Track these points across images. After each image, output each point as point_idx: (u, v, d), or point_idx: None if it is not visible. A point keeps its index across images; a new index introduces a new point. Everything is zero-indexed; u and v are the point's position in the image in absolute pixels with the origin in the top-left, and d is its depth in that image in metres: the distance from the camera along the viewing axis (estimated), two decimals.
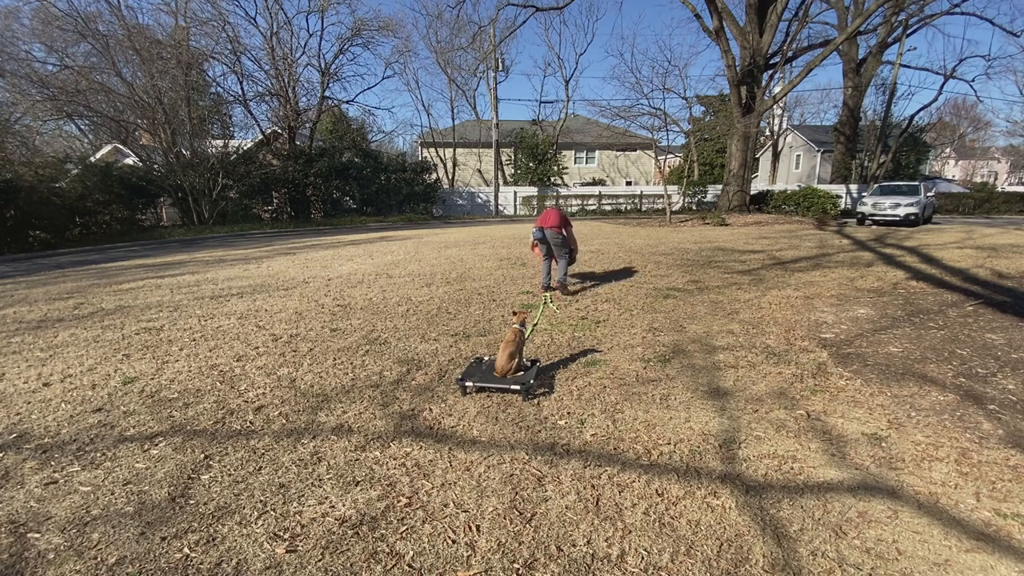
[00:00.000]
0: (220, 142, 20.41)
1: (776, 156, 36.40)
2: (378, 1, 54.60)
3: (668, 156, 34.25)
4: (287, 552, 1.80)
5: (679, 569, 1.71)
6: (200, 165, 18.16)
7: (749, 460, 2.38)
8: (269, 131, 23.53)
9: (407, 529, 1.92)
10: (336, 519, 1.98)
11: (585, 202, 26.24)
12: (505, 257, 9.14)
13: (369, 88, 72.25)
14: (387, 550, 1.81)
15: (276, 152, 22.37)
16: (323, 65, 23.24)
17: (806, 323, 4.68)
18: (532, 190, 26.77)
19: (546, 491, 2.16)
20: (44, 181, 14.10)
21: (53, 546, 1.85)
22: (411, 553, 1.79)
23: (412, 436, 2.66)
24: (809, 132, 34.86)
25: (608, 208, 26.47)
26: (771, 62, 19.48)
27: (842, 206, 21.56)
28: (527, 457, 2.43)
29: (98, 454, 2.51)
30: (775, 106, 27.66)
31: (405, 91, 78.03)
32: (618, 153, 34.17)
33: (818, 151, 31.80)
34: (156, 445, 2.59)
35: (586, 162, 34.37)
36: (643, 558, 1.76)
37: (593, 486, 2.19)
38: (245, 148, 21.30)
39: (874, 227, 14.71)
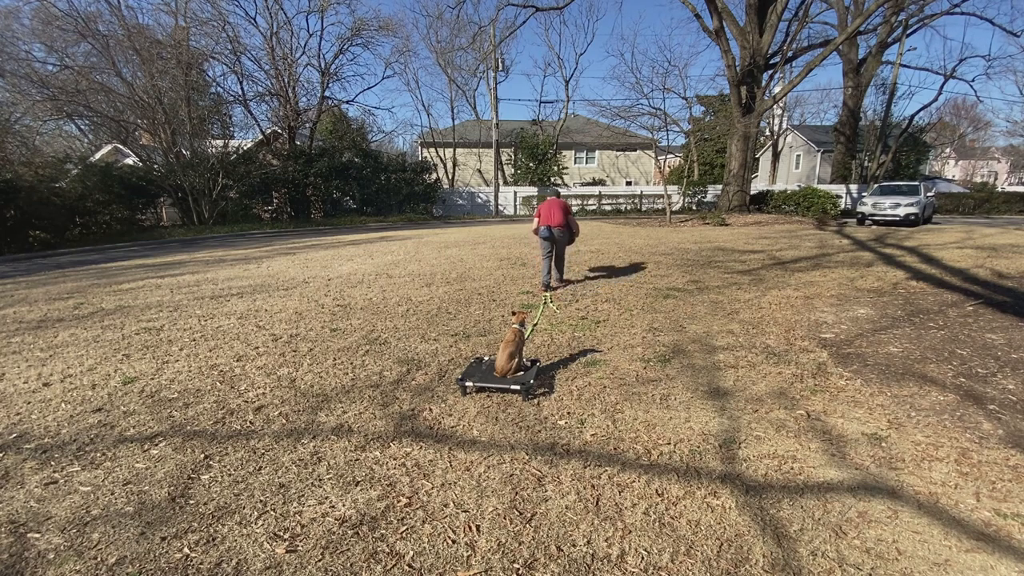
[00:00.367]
0: (220, 142, 20.41)
1: (776, 156, 36.40)
2: (378, 1, 54.60)
3: (668, 156, 34.25)
4: (287, 552, 1.80)
5: (679, 569, 1.71)
6: (200, 165, 18.16)
7: (749, 460, 2.38)
8: (269, 131, 23.53)
9: (407, 529, 1.92)
10: (336, 519, 1.98)
11: (585, 202, 26.23)
12: (505, 257, 9.14)
13: (369, 88, 72.24)
14: (387, 550, 1.81)
15: (276, 152, 22.37)
16: (323, 65, 23.25)
17: (806, 323, 4.68)
18: (532, 190, 26.76)
19: (546, 491, 2.16)
20: (44, 181, 14.10)
21: (53, 546, 1.85)
22: (411, 553, 1.79)
23: (412, 436, 2.66)
24: (809, 132, 34.85)
25: (608, 208, 26.47)
26: (771, 62, 19.48)
27: (842, 206, 21.55)
28: (527, 457, 2.43)
29: (98, 454, 2.51)
30: (775, 106, 27.66)
31: (405, 91, 78.07)
32: (618, 153, 34.17)
33: (818, 151, 31.80)
34: (156, 445, 2.59)
35: (586, 162, 34.37)
36: (643, 558, 1.76)
37: (593, 486, 2.19)
38: (245, 148, 21.29)
39: (874, 227, 14.71)
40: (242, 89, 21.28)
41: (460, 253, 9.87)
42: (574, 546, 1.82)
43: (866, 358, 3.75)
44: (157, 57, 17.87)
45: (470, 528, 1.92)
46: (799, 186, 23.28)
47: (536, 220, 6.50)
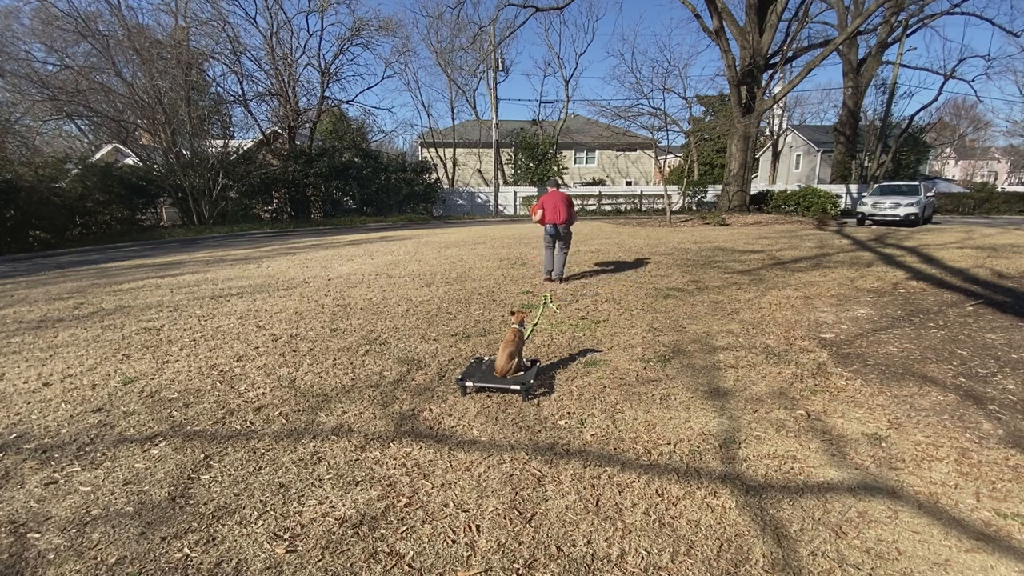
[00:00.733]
0: (220, 142, 20.40)
1: (776, 156, 36.40)
2: (378, 1, 54.61)
3: (668, 156, 34.26)
4: (287, 552, 1.80)
5: (679, 569, 1.71)
6: (200, 165, 18.15)
7: (749, 460, 2.38)
8: (269, 131, 23.53)
9: (407, 529, 1.92)
10: (336, 519, 1.98)
11: (585, 202, 26.24)
12: (505, 257, 9.14)
13: (369, 88, 72.27)
14: (387, 550, 1.81)
15: (276, 152, 22.37)
16: (323, 65, 23.25)
17: (806, 323, 4.68)
18: (532, 190, 26.76)
19: (546, 491, 2.16)
20: (44, 181, 14.09)
21: (53, 546, 1.85)
22: (411, 553, 1.79)
23: (412, 436, 2.66)
24: (809, 132, 34.86)
25: (608, 208, 26.47)
26: (771, 62, 19.48)
27: (842, 206, 21.56)
28: (527, 457, 2.43)
29: (98, 454, 2.51)
30: (775, 106, 27.66)
31: (405, 91, 78.11)
32: (618, 153, 34.18)
33: (818, 151, 31.80)
34: (156, 445, 2.59)
35: (586, 162, 34.38)
36: (643, 558, 1.76)
37: (593, 486, 2.19)
38: (245, 148, 21.29)
39: (874, 227, 14.71)
40: (242, 89, 21.30)
41: (460, 253, 9.87)
42: (574, 546, 1.82)
43: (866, 358, 3.75)
44: (157, 57, 17.87)
45: (470, 528, 1.92)
46: (799, 186, 23.28)
47: (540, 212, 6.70)
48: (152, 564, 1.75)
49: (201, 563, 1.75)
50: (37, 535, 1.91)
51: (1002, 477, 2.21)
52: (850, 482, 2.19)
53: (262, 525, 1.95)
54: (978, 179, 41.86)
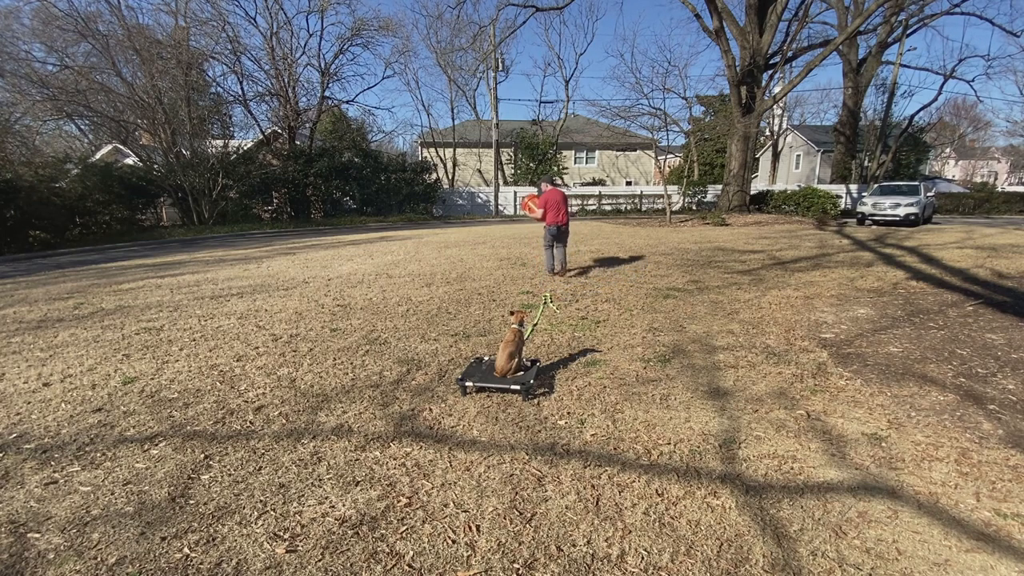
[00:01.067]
0: (220, 142, 20.40)
1: (776, 156, 36.40)
2: (378, 1, 54.62)
3: (668, 156, 34.25)
4: (287, 552, 1.80)
5: (679, 569, 1.71)
6: (200, 165, 18.15)
7: (749, 460, 2.38)
8: (269, 131, 23.52)
9: (407, 529, 1.92)
10: (336, 519, 1.98)
11: (585, 202, 26.24)
12: (505, 257, 9.14)
13: (369, 88, 72.30)
14: (387, 550, 1.81)
15: (276, 152, 22.36)
16: (323, 65, 23.24)
17: (806, 323, 4.68)
18: (532, 190, 26.72)
19: (546, 491, 2.16)
20: (44, 181, 14.08)
21: (53, 546, 1.85)
22: (411, 553, 1.79)
23: (412, 436, 2.66)
24: (809, 132, 34.86)
25: (608, 208, 26.46)
26: (771, 62, 19.48)
27: (842, 206, 21.56)
28: (527, 457, 2.43)
29: (98, 454, 2.51)
30: (775, 106, 27.66)
31: (405, 91, 78.15)
32: (618, 153, 34.18)
33: (818, 151, 31.80)
34: (156, 445, 2.59)
35: (586, 162, 34.38)
36: (643, 558, 1.76)
37: (593, 486, 2.19)
38: (245, 148, 21.28)
39: (874, 227, 14.71)
40: (242, 89, 21.29)
41: (460, 253, 9.87)
42: (574, 546, 1.82)
43: (866, 358, 3.75)
44: (157, 57, 17.86)
45: (470, 528, 1.92)
46: (799, 186, 23.28)
47: (543, 211, 7.04)
48: (152, 564, 1.75)
49: (201, 563, 1.75)
50: (37, 535, 1.91)
51: (1002, 477, 2.21)
52: (850, 482, 2.19)
53: (262, 525, 1.95)
54: (978, 179, 41.87)
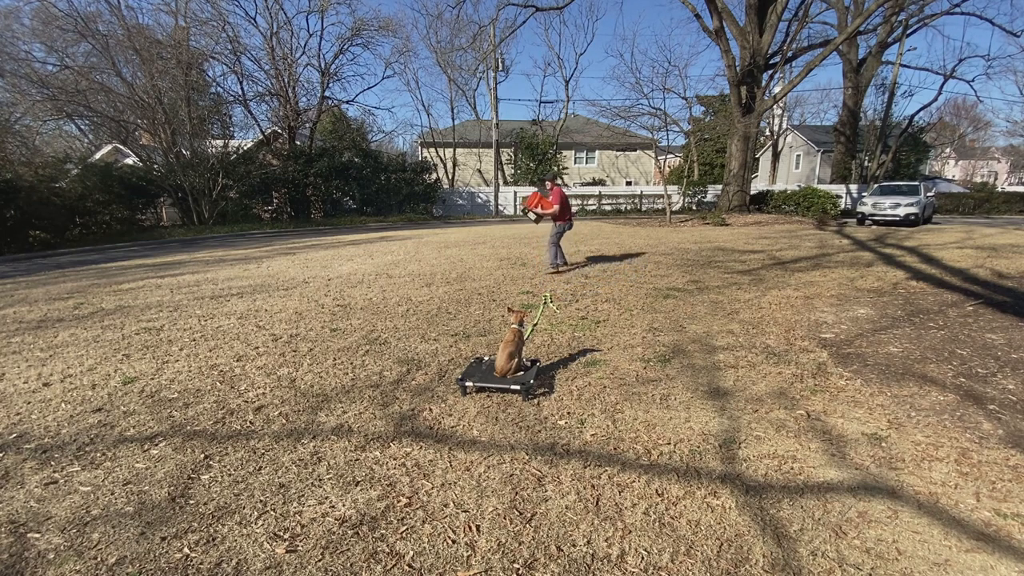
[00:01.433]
0: (220, 142, 20.41)
1: (776, 156, 36.40)
2: (378, 1, 54.65)
3: (668, 156, 34.26)
4: (287, 552, 1.80)
5: (679, 569, 1.71)
6: (200, 165, 18.15)
7: (749, 460, 2.38)
8: (269, 131, 23.53)
9: (407, 529, 1.92)
10: (336, 519, 1.98)
11: (585, 202, 26.24)
12: (505, 257, 9.15)
13: (369, 88, 72.34)
14: (387, 550, 1.81)
15: (276, 152, 22.37)
16: (323, 65, 23.25)
17: (806, 323, 4.68)
18: (532, 190, 26.74)
19: (546, 491, 2.16)
20: (44, 181, 14.09)
21: (53, 546, 1.85)
22: (411, 553, 1.79)
23: (412, 436, 2.66)
24: (809, 132, 34.86)
25: (608, 208, 26.47)
26: (771, 62, 19.48)
27: (842, 206, 21.57)
28: (527, 457, 2.43)
29: (98, 454, 2.51)
30: (775, 106, 27.67)
31: (405, 91, 78.13)
32: (618, 153, 34.18)
33: (818, 151, 31.80)
34: (156, 445, 2.59)
35: (586, 162, 34.38)
36: (643, 558, 1.76)
37: (593, 486, 2.19)
38: (245, 148, 21.29)
39: (874, 227, 14.71)
40: (242, 89, 21.30)
41: (460, 253, 9.87)
42: (574, 546, 1.82)
43: (866, 358, 3.75)
44: (157, 57, 17.87)
45: (470, 528, 1.92)
46: (799, 186, 23.28)
47: (558, 207, 7.36)
48: (152, 564, 1.75)
49: (201, 563, 1.75)
50: (37, 535, 1.91)
51: (1002, 477, 2.21)
52: (850, 482, 2.19)
53: (262, 525, 1.95)
54: (978, 179, 41.88)
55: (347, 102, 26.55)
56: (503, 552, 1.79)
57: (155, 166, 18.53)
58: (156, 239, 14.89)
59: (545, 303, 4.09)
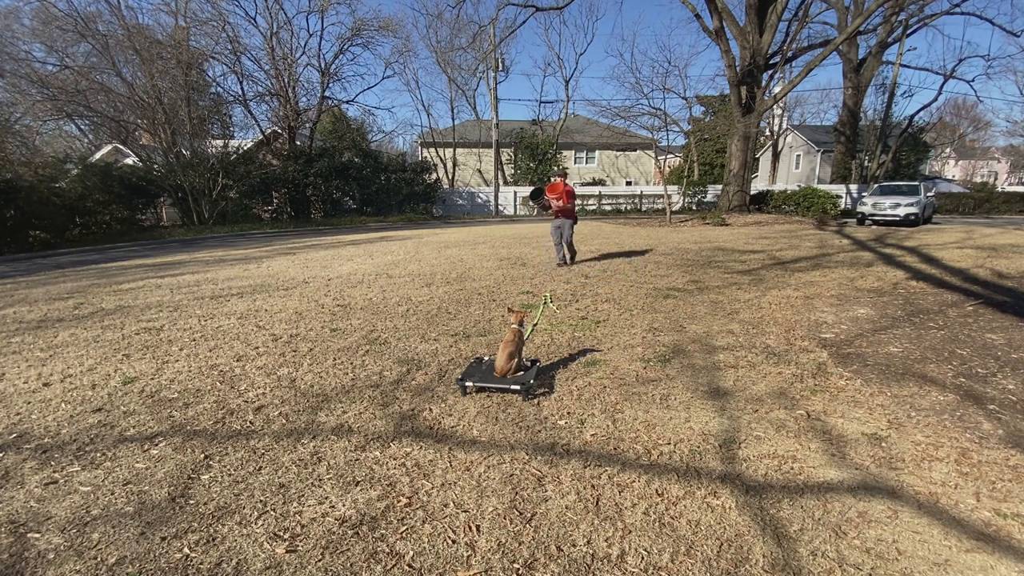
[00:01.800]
0: (220, 142, 20.41)
1: (776, 156, 36.40)
2: (378, 1, 54.65)
3: (668, 156, 34.26)
4: (287, 552, 1.80)
5: (679, 569, 1.71)
6: (200, 165, 18.16)
7: (749, 460, 2.38)
8: (269, 131, 23.53)
9: (407, 529, 1.92)
10: (336, 519, 1.98)
11: (585, 202, 26.24)
12: (505, 257, 9.15)
13: (369, 88, 72.42)
14: (387, 550, 1.81)
15: (276, 152, 22.38)
16: (323, 65, 23.26)
17: (806, 323, 4.68)
18: (532, 189, 26.73)
19: (546, 491, 2.16)
20: (44, 181, 14.09)
21: (53, 546, 1.85)
22: (411, 553, 1.79)
23: (412, 436, 2.66)
24: (809, 132, 34.86)
25: (608, 208, 26.47)
26: (771, 62, 19.48)
27: (842, 206, 21.57)
28: (527, 457, 2.43)
29: (98, 454, 2.51)
30: (775, 106, 27.66)
31: (405, 91, 78.13)
32: (618, 153, 34.18)
33: (818, 151, 31.80)
34: (156, 445, 2.59)
35: (586, 162, 34.38)
36: (643, 558, 1.76)
37: (593, 486, 2.19)
38: (245, 148, 21.30)
39: (874, 227, 14.71)
40: (242, 89, 21.31)
41: (460, 253, 9.87)
42: (574, 546, 1.82)
43: (866, 358, 3.75)
44: (157, 57, 17.87)
45: (470, 528, 1.92)
46: (799, 186, 23.28)
47: (572, 203, 7.85)
48: (152, 564, 1.75)
49: (201, 563, 1.75)
50: (37, 535, 1.91)
51: (1002, 477, 2.21)
52: (850, 482, 2.19)
53: (262, 525, 1.95)
54: (978, 179, 41.88)
55: (347, 102, 26.60)
56: (503, 552, 1.79)
57: (155, 166, 18.53)
58: (156, 239, 14.89)
59: (545, 303, 4.09)
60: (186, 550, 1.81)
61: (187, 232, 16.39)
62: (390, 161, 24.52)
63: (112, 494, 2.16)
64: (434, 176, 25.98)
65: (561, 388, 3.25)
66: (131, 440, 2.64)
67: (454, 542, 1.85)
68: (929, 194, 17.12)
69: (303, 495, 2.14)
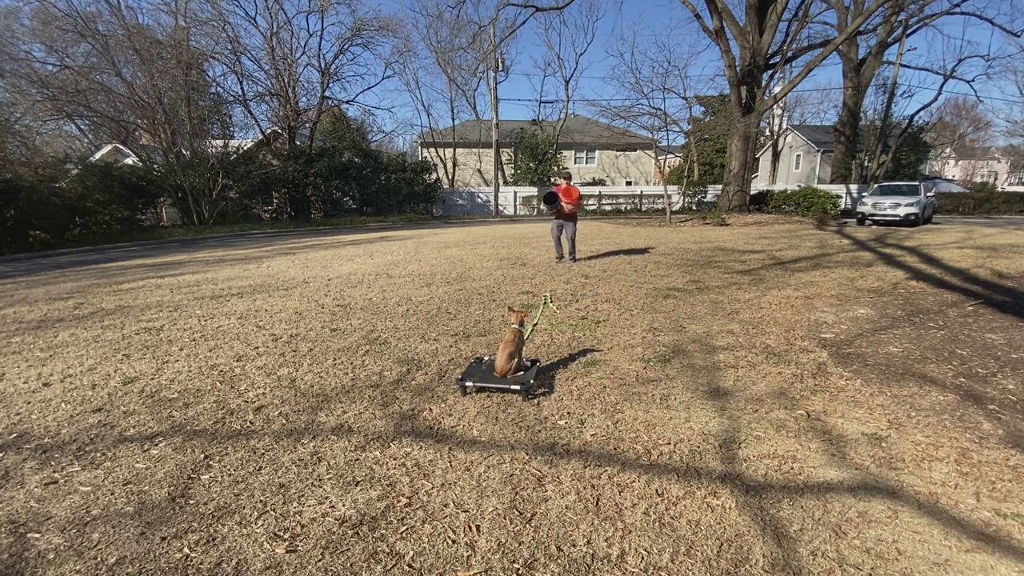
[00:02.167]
0: (220, 142, 20.41)
1: (776, 156, 36.39)
2: (378, 1, 54.67)
3: (668, 156, 34.26)
4: (287, 552, 1.80)
5: (679, 569, 1.71)
6: (200, 165, 18.15)
7: (749, 460, 2.38)
8: (269, 131, 23.53)
9: (407, 529, 1.92)
10: (336, 519, 1.98)
11: (585, 202, 26.23)
12: (505, 257, 9.15)
13: (369, 88, 72.44)
14: (387, 550, 1.81)
15: (276, 152, 22.38)
16: (323, 65, 23.26)
17: (806, 323, 4.68)
18: (532, 190, 26.78)
19: (546, 491, 2.16)
20: (44, 181, 14.09)
21: (53, 546, 1.85)
22: (411, 553, 1.79)
23: (412, 436, 2.66)
24: (809, 132, 34.86)
25: (608, 208, 26.48)
26: (771, 62, 19.49)
27: (842, 206, 21.57)
28: (527, 457, 2.43)
29: (98, 454, 2.51)
30: (775, 106, 27.67)
31: (405, 91, 78.15)
32: (618, 153, 34.18)
33: (818, 151, 31.80)
34: (156, 445, 2.59)
35: (586, 162, 34.38)
36: (643, 558, 1.76)
37: (593, 486, 2.19)
38: (245, 148, 21.29)
39: (874, 227, 14.71)
40: (242, 89, 21.31)
41: (460, 253, 9.87)
42: (574, 546, 1.82)
43: (866, 358, 3.75)
44: (157, 57, 17.87)
45: (470, 528, 1.92)
46: (799, 186, 23.28)
47: (576, 204, 8.16)
48: (152, 564, 1.75)
49: (201, 563, 1.75)
50: (37, 535, 1.91)
51: (1002, 477, 2.21)
52: (850, 482, 2.19)
53: (262, 525, 1.95)
54: (978, 179, 41.88)
55: (347, 102, 26.60)
56: (503, 552, 1.79)
57: (155, 166, 18.53)
58: (156, 239, 14.89)
59: (545, 303, 4.09)
60: (186, 550, 1.81)
61: (187, 232, 16.39)
62: (390, 161, 24.52)
63: (112, 494, 2.16)
64: (434, 176, 25.98)
65: (561, 388, 3.25)
66: (131, 440, 2.64)
67: (454, 542, 1.85)
68: (929, 194, 17.12)
69: (303, 495, 2.14)
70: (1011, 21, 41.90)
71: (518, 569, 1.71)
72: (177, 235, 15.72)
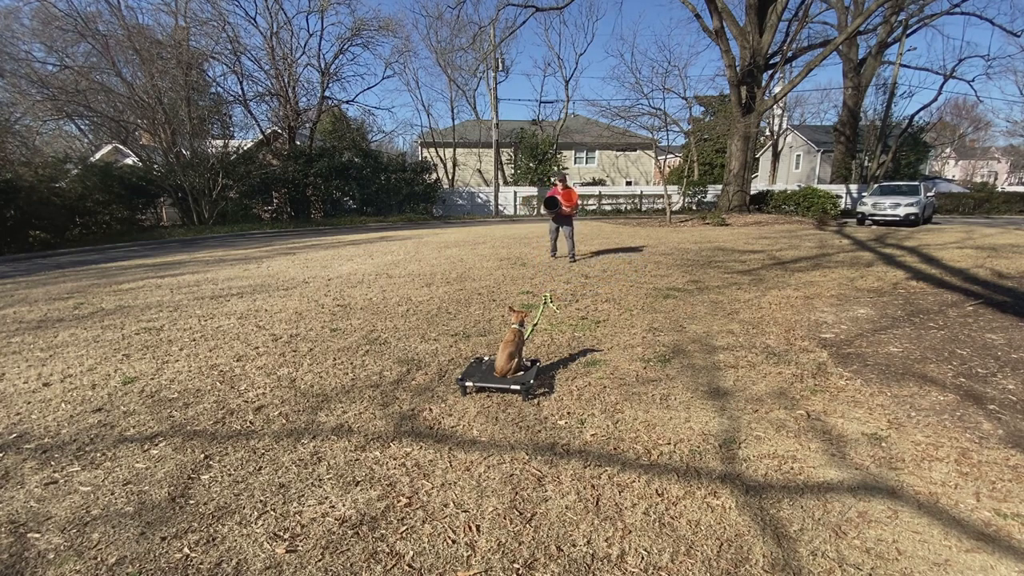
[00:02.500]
0: (220, 142, 20.40)
1: (776, 156, 36.39)
2: (378, 1, 54.67)
3: (668, 156, 34.25)
4: (287, 552, 1.80)
5: (679, 569, 1.71)
6: (200, 165, 18.15)
7: (749, 460, 2.38)
8: (269, 131, 23.52)
9: (407, 529, 1.92)
10: (336, 519, 1.98)
11: (585, 202, 26.20)
12: (505, 257, 9.15)
13: (369, 88, 72.41)
14: (387, 550, 1.81)
15: (276, 152, 22.37)
16: (323, 65, 23.26)
17: (806, 323, 4.68)
18: (532, 190, 26.77)
19: (546, 491, 2.16)
20: (44, 181, 14.08)
21: (53, 546, 1.85)
22: (411, 553, 1.79)
23: (412, 436, 2.66)
24: (809, 132, 34.86)
25: (608, 208, 26.47)
26: (771, 62, 19.49)
27: (842, 206, 21.56)
28: (527, 457, 2.43)
29: (98, 454, 2.51)
30: (775, 106, 27.67)
31: (405, 91, 78.17)
32: (618, 153, 34.18)
33: (818, 151, 31.80)
34: (156, 445, 2.59)
35: (586, 162, 34.38)
36: (643, 558, 1.76)
37: (593, 486, 2.19)
38: (245, 148, 21.28)
39: (874, 227, 14.71)
40: (242, 89, 21.30)
41: (460, 253, 9.87)
42: (574, 546, 1.82)
43: (866, 358, 3.75)
44: (157, 57, 17.86)
45: (470, 528, 1.92)
46: (799, 186, 23.28)
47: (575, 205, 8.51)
48: (152, 564, 1.75)
49: (201, 563, 1.75)
50: (37, 535, 1.91)
51: (1002, 477, 2.21)
52: (850, 482, 2.19)
53: (262, 525, 1.95)
54: (978, 179, 41.88)
55: (347, 102, 26.59)
56: (503, 552, 1.79)
57: (155, 166, 18.52)
58: (156, 239, 14.89)
59: (545, 303, 4.09)
60: (186, 550, 1.81)
61: (187, 232, 16.39)
62: (390, 161, 24.51)
63: (112, 494, 2.16)
64: (434, 176, 25.97)
65: (561, 388, 3.25)
66: (131, 440, 2.64)
67: (454, 542, 1.85)
68: (929, 194, 17.12)
69: (303, 495, 2.14)
70: (1011, 21, 41.86)
71: (518, 569, 1.71)
72: (177, 235, 15.72)
